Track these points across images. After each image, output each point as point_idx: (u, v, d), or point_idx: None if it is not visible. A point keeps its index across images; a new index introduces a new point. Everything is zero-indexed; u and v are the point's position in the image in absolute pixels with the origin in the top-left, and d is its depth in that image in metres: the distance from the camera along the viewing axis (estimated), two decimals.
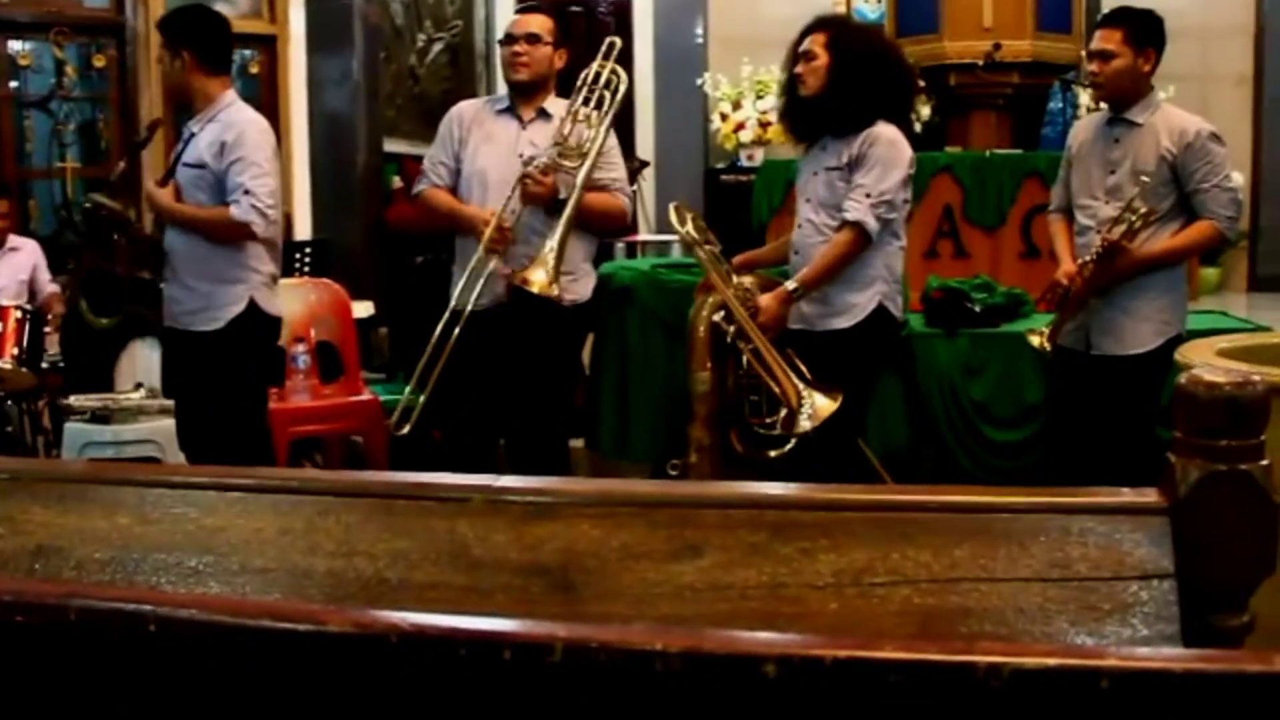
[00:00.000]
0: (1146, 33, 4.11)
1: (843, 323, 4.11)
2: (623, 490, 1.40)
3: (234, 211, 4.12)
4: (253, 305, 4.26)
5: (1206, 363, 3.27)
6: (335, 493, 1.47)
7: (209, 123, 4.25)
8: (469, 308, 4.19)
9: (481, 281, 4.19)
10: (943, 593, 1.29)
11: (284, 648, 0.90)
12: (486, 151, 4.32)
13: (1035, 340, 4.17)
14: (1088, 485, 3.88)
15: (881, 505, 1.35)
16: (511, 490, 1.42)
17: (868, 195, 3.99)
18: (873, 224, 3.98)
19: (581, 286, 4.34)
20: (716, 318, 4.36)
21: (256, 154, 4.18)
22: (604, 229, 4.54)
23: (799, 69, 4.09)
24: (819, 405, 3.95)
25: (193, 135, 4.26)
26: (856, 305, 4.11)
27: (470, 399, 4.28)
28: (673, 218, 4.20)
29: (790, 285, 4.11)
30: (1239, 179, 8.75)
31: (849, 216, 4.00)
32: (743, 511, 1.35)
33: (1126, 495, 1.37)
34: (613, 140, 4.36)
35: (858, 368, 4.20)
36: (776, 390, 4.06)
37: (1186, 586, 1.29)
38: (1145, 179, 3.97)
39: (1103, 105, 4.42)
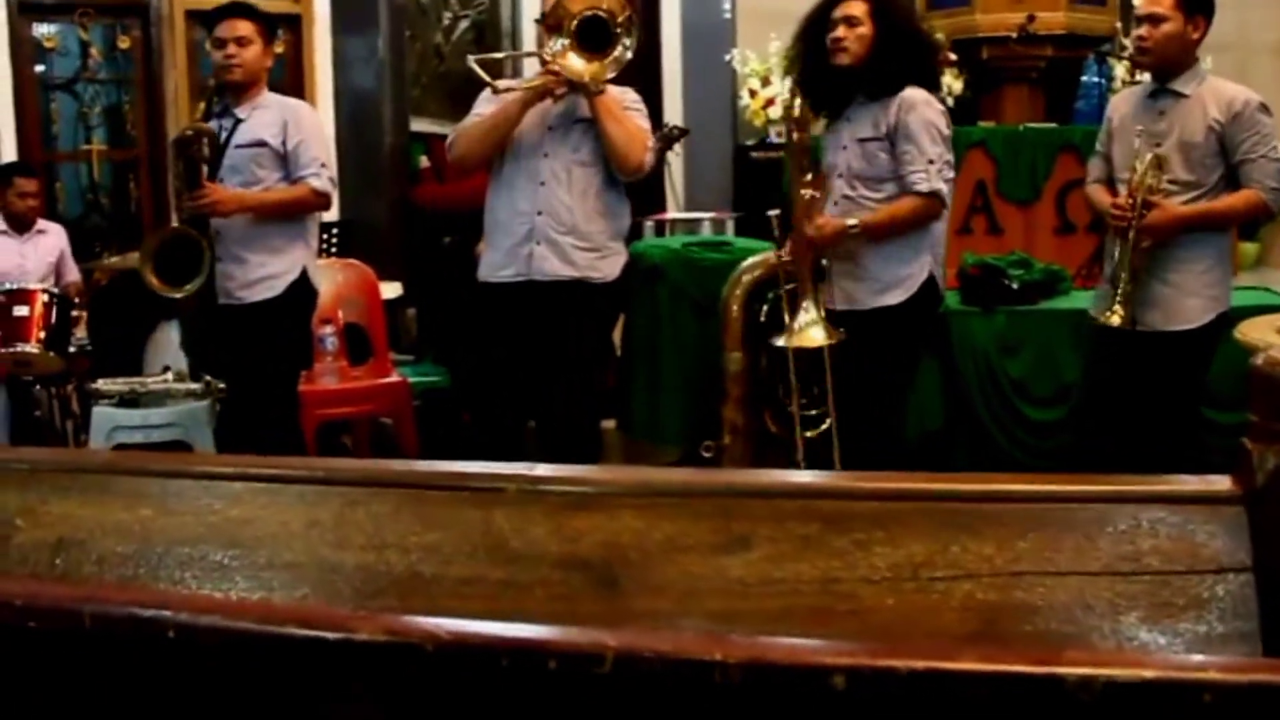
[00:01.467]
0: None
1: (895, 298, 4.01)
2: (665, 479, 1.33)
3: (316, 184, 4.38)
4: (304, 274, 4.48)
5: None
6: (365, 482, 1.41)
7: (253, 108, 4.42)
8: (495, 280, 4.18)
9: (505, 255, 4.15)
10: (1006, 588, 1.22)
11: (313, 656, 0.84)
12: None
13: (1115, 320, 3.94)
14: (1129, 466, 3.84)
15: (940, 495, 1.28)
16: (549, 479, 1.35)
17: (930, 162, 3.91)
18: (945, 191, 3.94)
19: (609, 265, 4.23)
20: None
21: (319, 131, 4.58)
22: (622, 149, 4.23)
23: (840, 35, 3.97)
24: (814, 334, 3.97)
25: (238, 121, 4.38)
26: (909, 277, 4.02)
27: (497, 378, 4.22)
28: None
29: (850, 221, 3.97)
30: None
31: (921, 188, 3.91)
32: (793, 502, 1.28)
33: (1199, 483, 1.29)
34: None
35: (909, 345, 4.13)
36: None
37: (1265, 580, 1.21)
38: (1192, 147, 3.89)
39: (1140, 77, 4.30)
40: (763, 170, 8.14)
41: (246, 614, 0.88)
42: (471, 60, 4.29)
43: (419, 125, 8.04)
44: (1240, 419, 4.07)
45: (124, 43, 7.30)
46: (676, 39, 9.30)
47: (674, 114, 9.25)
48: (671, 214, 8.68)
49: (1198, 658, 0.95)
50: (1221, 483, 1.28)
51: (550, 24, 4.05)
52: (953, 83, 7.30)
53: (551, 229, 4.12)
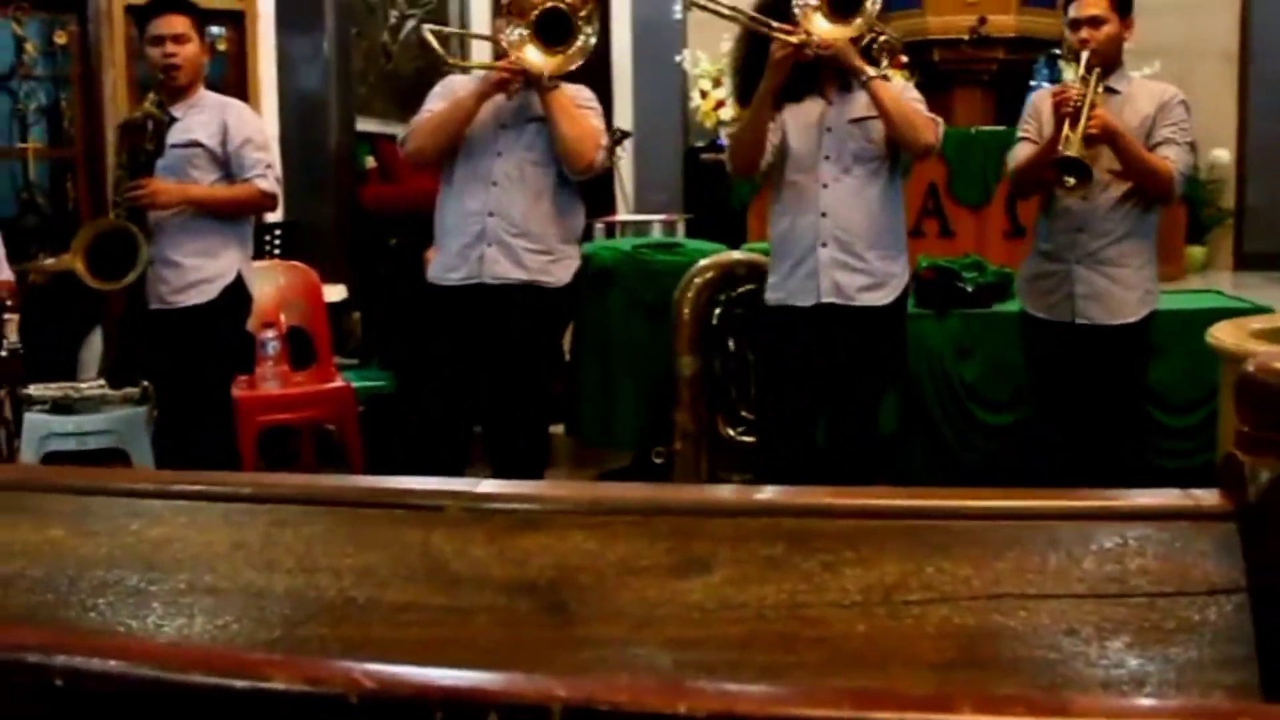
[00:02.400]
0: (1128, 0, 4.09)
1: (884, 298, 3.90)
2: (619, 496, 1.24)
3: (264, 186, 4.30)
4: (239, 277, 4.37)
5: (1269, 349, 3.13)
6: (295, 500, 1.31)
7: (189, 107, 4.30)
8: (444, 282, 4.08)
9: (455, 256, 4.05)
10: (985, 611, 1.14)
11: (219, 708, 0.73)
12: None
13: (1072, 150, 3.82)
14: (1080, 462, 3.80)
15: (914, 512, 1.20)
16: (493, 497, 1.25)
17: None
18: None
19: (561, 269, 4.11)
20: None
21: (261, 131, 4.46)
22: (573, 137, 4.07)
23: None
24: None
25: (172, 119, 4.23)
26: (896, 276, 3.94)
27: (443, 382, 4.10)
28: None
29: (872, 71, 3.76)
30: (1225, 155, 8.72)
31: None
32: (756, 520, 1.19)
33: (1187, 498, 1.21)
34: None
35: (894, 350, 4.04)
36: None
37: (1260, 602, 1.14)
38: None
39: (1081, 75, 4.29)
40: (713, 172, 8.07)
41: (146, 657, 0.77)
42: (426, 30, 4.21)
43: (365, 125, 7.91)
44: (1188, 422, 4.07)
45: (61, 38, 7.12)
46: (627, 39, 9.24)
47: (624, 115, 9.18)
48: (622, 216, 8.61)
49: (1221, 705, 0.87)
50: (1211, 498, 1.20)
51: (511, 9, 3.95)
52: (907, 87, 7.27)
53: (503, 231, 4.01)
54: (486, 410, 4.20)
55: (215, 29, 7.56)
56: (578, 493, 1.26)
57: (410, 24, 8.58)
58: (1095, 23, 3.98)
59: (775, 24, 3.73)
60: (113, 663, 0.76)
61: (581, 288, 4.36)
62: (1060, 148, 3.80)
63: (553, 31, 3.89)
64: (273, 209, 4.62)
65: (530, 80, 3.93)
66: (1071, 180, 3.80)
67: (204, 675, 0.74)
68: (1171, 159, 3.95)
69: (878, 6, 3.73)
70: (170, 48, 4.23)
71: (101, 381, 4.80)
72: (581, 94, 4.13)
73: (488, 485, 1.29)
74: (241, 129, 4.31)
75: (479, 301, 4.03)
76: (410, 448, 4.29)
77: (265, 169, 4.31)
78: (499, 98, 4.02)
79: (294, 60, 7.61)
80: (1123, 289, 4.04)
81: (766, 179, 4.06)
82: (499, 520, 1.23)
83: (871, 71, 3.75)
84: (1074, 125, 3.80)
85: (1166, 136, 3.98)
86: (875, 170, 3.88)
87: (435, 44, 4.11)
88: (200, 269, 4.27)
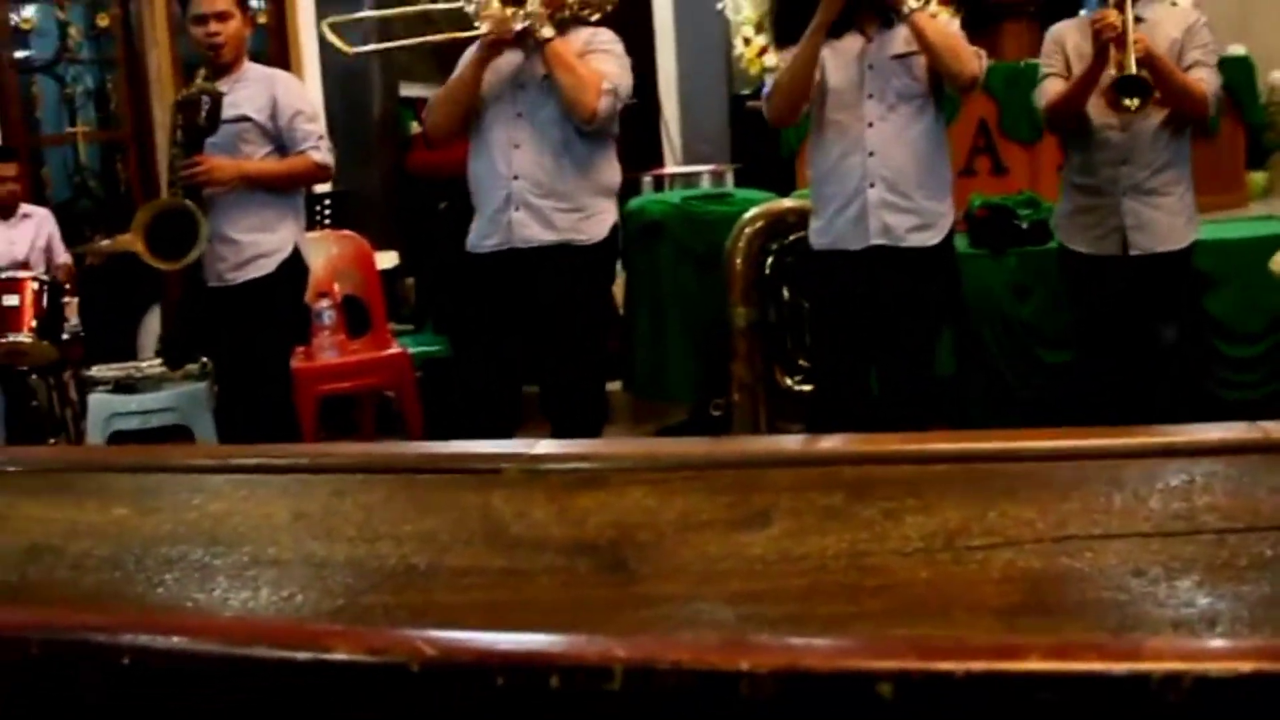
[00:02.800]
0: None
1: (933, 238, 3.85)
2: (676, 452, 1.23)
3: (318, 157, 4.30)
4: (296, 250, 4.39)
5: None
6: (353, 469, 1.31)
7: (235, 82, 4.29)
8: (480, 250, 4.06)
9: (488, 222, 4.03)
10: (1050, 554, 1.12)
11: (283, 680, 0.74)
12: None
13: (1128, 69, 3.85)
14: (1138, 396, 3.76)
15: (975, 455, 1.18)
16: (550, 457, 1.25)
17: None
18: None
19: (594, 225, 4.05)
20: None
21: (309, 102, 4.50)
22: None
23: None
24: None
25: (220, 94, 4.22)
26: (943, 215, 3.89)
27: (490, 348, 4.10)
28: None
29: (914, 3, 3.70)
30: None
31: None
32: (815, 470, 1.18)
33: (1256, 431, 1.19)
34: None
35: (948, 290, 4.01)
36: None
37: None
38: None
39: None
40: (760, 121, 8.00)
41: (211, 633, 0.78)
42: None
43: (409, 90, 7.89)
44: (1252, 352, 4.02)
45: (103, 21, 7.15)
46: None
47: (667, 65, 9.10)
48: (669, 168, 8.56)
49: None
50: (1279, 429, 1.17)
51: None
52: (950, 20, 7.16)
53: (529, 193, 3.96)
54: (540, 373, 4.20)
55: (255, 3, 7.59)
56: (634, 449, 1.25)
57: None
58: None
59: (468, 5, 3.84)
60: (176, 639, 0.77)
61: (619, 243, 4.29)
62: (1115, 71, 3.77)
63: None
64: (327, 180, 4.65)
65: (524, 36, 3.88)
66: (1134, 101, 3.79)
67: (267, 648, 0.74)
68: (1205, 79, 3.98)
69: None
70: (214, 26, 4.22)
71: (160, 360, 4.85)
72: (599, 37, 4.04)
73: (544, 446, 1.29)
74: (291, 102, 4.32)
75: (514, 267, 4.00)
76: (460, 415, 4.30)
77: (318, 140, 4.32)
78: (517, 58, 3.97)
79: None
80: (1170, 216, 4.07)
81: (808, 120, 4.00)
82: (556, 480, 1.23)
83: (913, 3, 3.69)
84: (1121, 48, 3.78)
85: (1197, 59, 4.00)
86: (920, 108, 3.82)
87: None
88: (258, 244, 4.28)
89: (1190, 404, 4.32)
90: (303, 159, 4.30)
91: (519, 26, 3.79)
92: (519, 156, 3.97)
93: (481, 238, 4.07)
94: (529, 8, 3.76)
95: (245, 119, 4.26)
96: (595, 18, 4.06)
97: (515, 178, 3.97)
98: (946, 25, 3.91)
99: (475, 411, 4.14)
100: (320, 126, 4.41)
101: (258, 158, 4.29)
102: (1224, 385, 4.90)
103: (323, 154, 4.32)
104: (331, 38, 4.03)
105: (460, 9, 4.07)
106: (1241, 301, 4.89)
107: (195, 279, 4.28)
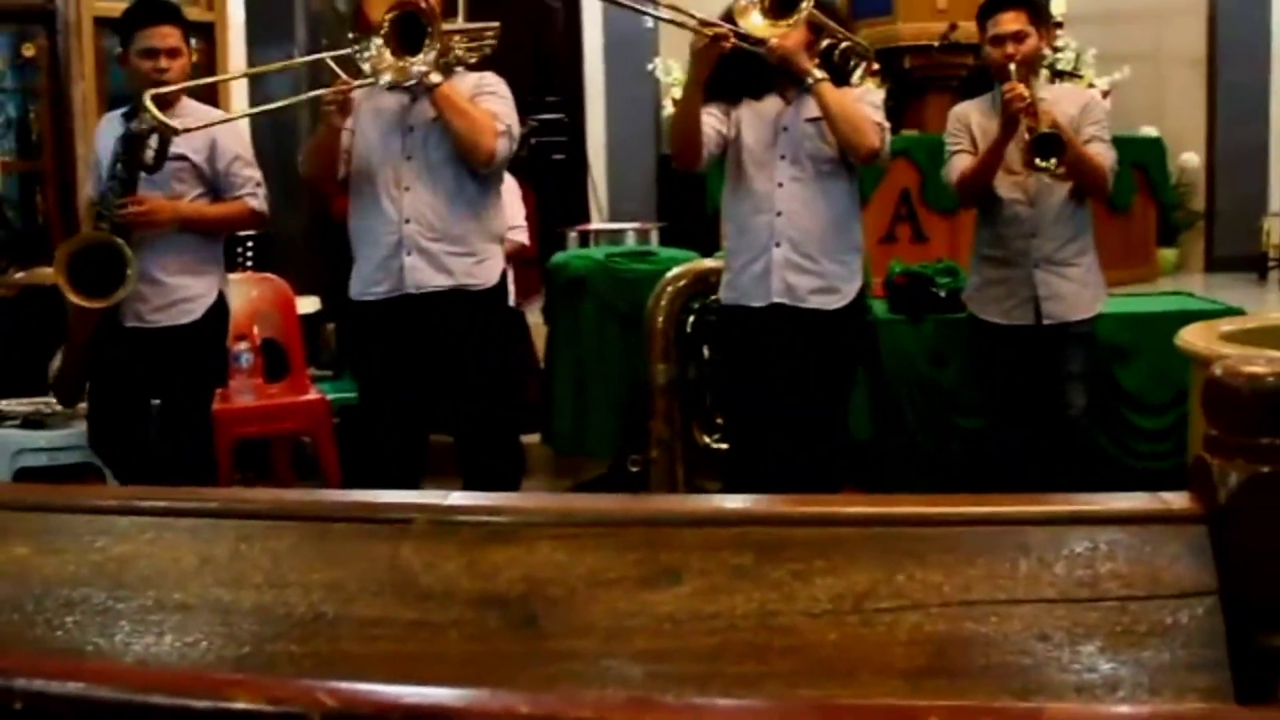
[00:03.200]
0: (1045, 11, 4.43)
1: (836, 302, 3.89)
2: (588, 508, 1.23)
3: (255, 204, 4.25)
4: (221, 297, 4.31)
5: (1240, 352, 3.16)
6: (262, 515, 1.30)
7: (173, 118, 4.10)
8: (368, 297, 3.98)
9: (375, 268, 3.95)
10: (956, 618, 1.13)
11: None
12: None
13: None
14: (1049, 464, 3.83)
15: (883, 519, 1.19)
16: (462, 509, 1.24)
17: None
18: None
19: (486, 270, 3.99)
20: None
21: (248, 146, 4.37)
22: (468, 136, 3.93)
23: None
24: None
25: (174, 132, 4.09)
26: (849, 281, 3.93)
27: (390, 397, 4.01)
28: None
29: (819, 74, 3.77)
30: (1195, 159, 8.78)
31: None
32: (725, 530, 1.19)
33: (1157, 502, 1.21)
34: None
35: (850, 355, 4.05)
36: None
37: (1231, 604, 1.14)
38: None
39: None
40: (686, 180, 8.07)
41: (108, 679, 0.76)
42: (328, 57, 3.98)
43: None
44: (1160, 423, 4.10)
45: (29, 50, 7.05)
46: (599, 48, 9.22)
47: (596, 123, 9.17)
48: (595, 224, 8.60)
49: (1194, 709, 0.86)
50: (1180, 500, 1.20)
51: (360, 31, 3.79)
52: (876, 91, 7.30)
53: (421, 237, 3.89)
54: (445, 422, 4.14)
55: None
56: (546, 504, 1.25)
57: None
58: (1019, 37, 4.13)
59: (694, 19, 3.76)
60: (72, 685, 0.75)
61: (505, 290, 4.20)
62: (1027, 136, 3.94)
63: (410, 37, 3.71)
64: (261, 227, 4.59)
65: (416, 86, 3.82)
66: (1050, 162, 3.91)
67: (166, 696, 0.73)
68: (1102, 154, 4.14)
69: (808, 7, 3.68)
70: (164, 61, 4.10)
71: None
72: (485, 80, 4.01)
73: (456, 497, 1.28)
74: (230, 145, 4.24)
75: (406, 314, 3.92)
76: (365, 464, 4.22)
77: (255, 187, 4.25)
78: (396, 101, 3.91)
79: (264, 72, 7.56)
80: (1079, 285, 4.23)
81: (725, 178, 4.04)
82: (468, 533, 1.22)
83: (818, 74, 3.76)
84: (1031, 115, 3.95)
85: (1093, 135, 4.17)
86: (831, 172, 3.88)
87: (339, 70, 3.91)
88: (184, 288, 4.19)
89: (1101, 473, 4.42)
90: (240, 204, 4.23)
91: (416, 75, 3.71)
92: (410, 200, 3.90)
93: (369, 284, 3.98)
94: (425, 55, 3.68)
95: (183, 158, 4.15)
96: (474, 60, 4.03)
97: (407, 221, 3.90)
98: (861, 97, 3.96)
99: (379, 461, 4.05)
100: (258, 173, 4.31)
101: (189, 198, 4.19)
102: (1134, 455, 5.00)
103: (259, 201, 4.26)
104: (156, 113, 3.85)
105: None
106: (1151, 373, 5.01)
107: (110, 317, 4.14)
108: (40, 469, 4.85)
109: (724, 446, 4.72)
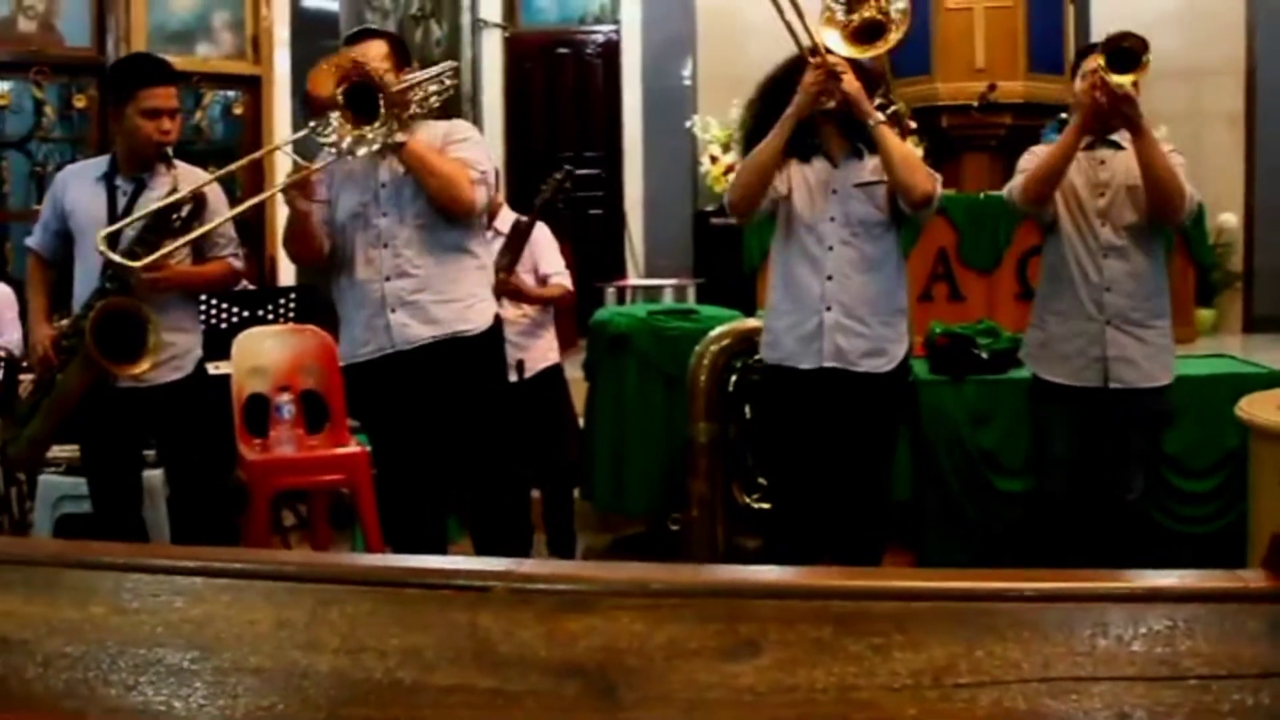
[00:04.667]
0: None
1: (886, 365, 3.86)
2: (665, 578, 1.23)
3: (237, 264, 4.26)
4: (202, 356, 4.31)
5: None
6: (339, 580, 1.31)
7: (156, 176, 4.12)
8: (357, 359, 3.93)
9: (362, 329, 3.88)
10: (1036, 695, 1.13)
11: None
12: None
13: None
14: (1103, 535, 3.78)
15: (961, 594, 1.19)
16: (540, 577, 1.25)
17: None
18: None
19: (478, 314, 3.92)
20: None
21: (226, 205, 4.19)
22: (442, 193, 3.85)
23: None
24: None
25: (142, 186, 4.11)
26: (896, 343, 3.90)
27: (401, 455, 3.96)
28: None
29: (881, 117, 3.74)
30: (1233, 219, 8.77)
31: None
32: (804, 602, 1.19)
33: (1234, 579, 1.21)
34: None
35: (896, 418, 4.03)
36: None
37: None
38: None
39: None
40: (723, 236, 8.13)
41: None
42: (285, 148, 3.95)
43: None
44: (1204, 487, 4.05)
45: (79, 102, 7.21)
46: (638, 105, 9.32)
47: (634, 180, 9.25)
48: (632, 280, 8.64)
49: None
50: (1258, 578, 1.20)
51: (316, 109, 3.74)
52: (913, 150, 7.33)
53: (404, 292, 3.83)
54: (456, 477, 4.06)
55: (230, 93, 7.67)
56: (624, 574, 1.26)
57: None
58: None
59: (816, 42, 3.71)
60: None
61: (501, 331, 4.09)
62: (1102, 58, 3.79)
63: (365, 105, 3.64)
64: (238, 285, 4.65)
65: (384, 149, 3.73)
66: (1135, 71, 3.75)
67: None
68: (1181, 175, 3.94)
69: (898, 34, 3.71)
70: (167, 123, 4.06)
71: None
72: (455, 128, 3.98)
73: (533, 565, 1.29)
74: (217, 207, 4.16)
75: (399, 371, 3.86)
76: (390, 520, 4.18)
77: (236, 247, 4.27)
78: (363, 161, 3.81)
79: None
80: (1153, 350, 4.02)
81: (775, 237, 4.02)
82: (545, 601, 1.23)
83: (880, 116, 3.75)
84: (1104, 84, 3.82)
85: (1172, 159, 3.98)
86: (880, 235, 3.87)
87: (300, 161, 3.83)
88: (174, 345, 4.13)
89: (1143, 537, 4.32)
90: (223, 264, 4.22)
91: (377, 143, 3.63)
92: (389, 256, 3.84)
93: (357, 346, 3.92)
94: (382, 123, 3.62)
95: None
96: (438, 103, 3.95)
97: (388, 278, 3.84)
98: (908, 144, 3.98)
99: (403, 518, 4.01)
100: (234, 232, 4.28)
101: (177, 259, 4.10)
102: (1177, 519, 4.96)
103: (240, 261, 4.29)
104: (111, 255, 3.81)
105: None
106: (1195, 437, 4.97)
107: (102, 379, 4.04)
108: (82, 516, 4.87)
109: (765, 506, 4.71)
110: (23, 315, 5.96)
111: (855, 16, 3.69)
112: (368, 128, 3.62)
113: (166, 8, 7.47)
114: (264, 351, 5.43)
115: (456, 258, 3.90)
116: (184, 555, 1.38)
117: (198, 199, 4.01)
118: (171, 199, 3.97)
